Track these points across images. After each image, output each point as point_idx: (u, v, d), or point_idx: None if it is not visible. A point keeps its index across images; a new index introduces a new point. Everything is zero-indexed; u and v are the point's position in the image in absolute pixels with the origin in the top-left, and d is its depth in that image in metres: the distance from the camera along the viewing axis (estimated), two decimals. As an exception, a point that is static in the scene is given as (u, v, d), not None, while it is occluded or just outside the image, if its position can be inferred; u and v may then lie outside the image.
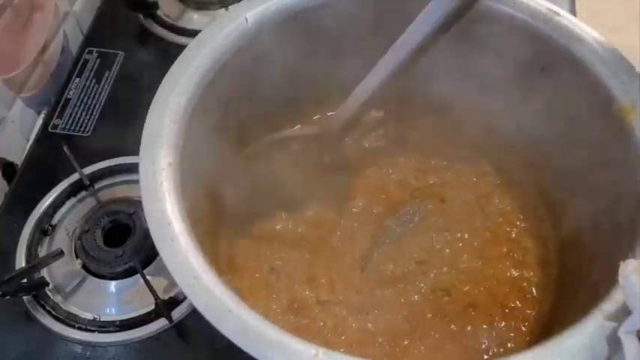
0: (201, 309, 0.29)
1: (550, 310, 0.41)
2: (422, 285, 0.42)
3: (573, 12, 0.64)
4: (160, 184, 0.32)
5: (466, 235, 0.44)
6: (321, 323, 0.40)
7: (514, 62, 0.42)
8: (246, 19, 0.40)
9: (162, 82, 0.37)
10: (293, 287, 0.42)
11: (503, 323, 0.41)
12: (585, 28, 0.39)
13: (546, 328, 0.40)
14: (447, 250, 0.44)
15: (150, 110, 0.35)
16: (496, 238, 0.45)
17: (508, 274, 0.43)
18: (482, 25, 0.41)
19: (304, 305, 0.41)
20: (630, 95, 0.36)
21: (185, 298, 0.46)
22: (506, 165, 0.47)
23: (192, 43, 0.39)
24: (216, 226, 0.44)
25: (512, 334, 0.40)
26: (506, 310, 0.41)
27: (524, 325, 0.41)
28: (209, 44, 0.39)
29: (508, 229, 0.45)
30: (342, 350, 0.36)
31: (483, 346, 0.40)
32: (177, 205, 0.32)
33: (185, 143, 0.35)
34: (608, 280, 0.30)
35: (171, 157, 0.33)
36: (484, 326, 0.40)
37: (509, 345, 0.40)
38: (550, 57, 0.40)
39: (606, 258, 0.36)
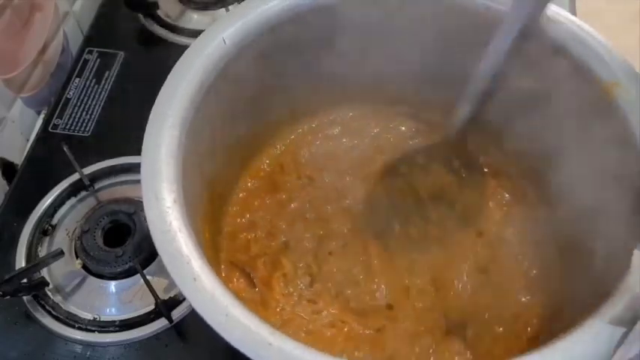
0: (237, 345, 0.28)
1: (551, 310, 0.41)
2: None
3: (573, 12, 0.64)
4: (169, 224, 0.31)
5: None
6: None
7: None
8: (224, 39, 0.39)
9: (152, 114, 0.35)
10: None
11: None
12: (560, 11, 0.39)
13: (548, 328, 0.40)
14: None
15: (144, 145, 0.34)
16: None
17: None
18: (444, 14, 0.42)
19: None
20: (611, 71, 0.37)
21: (185, 298, 0.46)
22: (493, 152, 0.47)
23: (173, 71, 0.37)
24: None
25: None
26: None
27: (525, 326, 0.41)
28: (189, 71, 0.37)
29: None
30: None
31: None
32: (190, 241, 0.31)
33: (185, 176, 0.34)
34: (609, 273, 0.31)
35: (174, 192, 0.33)
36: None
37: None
38: (528, 41, 0.40)
39: (606, 249, 0.36)
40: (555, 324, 0.39)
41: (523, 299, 0.41)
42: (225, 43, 0.39)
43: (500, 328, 0.40)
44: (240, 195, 0.46)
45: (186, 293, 0.29)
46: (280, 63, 0.44)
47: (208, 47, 0.39)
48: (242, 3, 0.41)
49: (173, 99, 0.36)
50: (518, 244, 0.44)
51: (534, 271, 0.43)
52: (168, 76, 0.37)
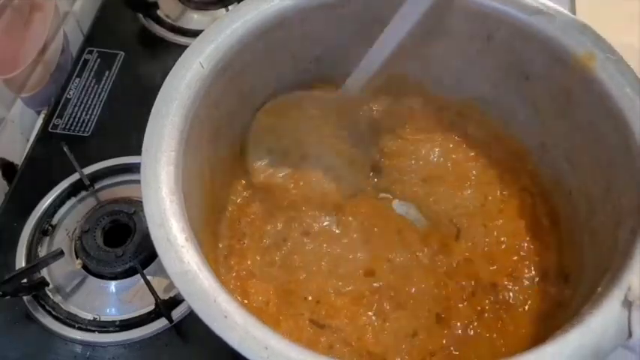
0: None
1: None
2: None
3: (573, 11, 0.64)
4: (187, 264, 0.31)
5: None
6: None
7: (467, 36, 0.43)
8: (201, 64, 0.38)
9: (145, 145, 0.34)
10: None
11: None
12: None
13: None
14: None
15: (143, 185, 0.33)
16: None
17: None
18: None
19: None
20: (585, 46, 0.38)
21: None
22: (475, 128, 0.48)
23: (158, 101, 0.36)
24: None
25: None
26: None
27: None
28: (174, 100, 0.36)
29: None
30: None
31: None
32: (212, 277, 0.31)
33: (188, 210, 0.34)
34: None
35: (185, 232, 0.32)
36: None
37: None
38: (497, 26, 0.41)
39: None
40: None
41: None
42: (202, 67, 0.38)
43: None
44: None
45: (218, 332, 0.29)
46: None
47: (187, 75, 0.37)
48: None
49: (163, 129, 0.35)
50: None
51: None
52: (156, 104, 0.36)
